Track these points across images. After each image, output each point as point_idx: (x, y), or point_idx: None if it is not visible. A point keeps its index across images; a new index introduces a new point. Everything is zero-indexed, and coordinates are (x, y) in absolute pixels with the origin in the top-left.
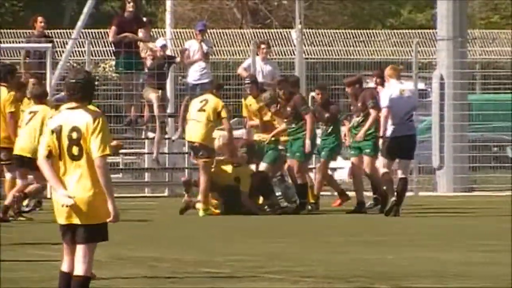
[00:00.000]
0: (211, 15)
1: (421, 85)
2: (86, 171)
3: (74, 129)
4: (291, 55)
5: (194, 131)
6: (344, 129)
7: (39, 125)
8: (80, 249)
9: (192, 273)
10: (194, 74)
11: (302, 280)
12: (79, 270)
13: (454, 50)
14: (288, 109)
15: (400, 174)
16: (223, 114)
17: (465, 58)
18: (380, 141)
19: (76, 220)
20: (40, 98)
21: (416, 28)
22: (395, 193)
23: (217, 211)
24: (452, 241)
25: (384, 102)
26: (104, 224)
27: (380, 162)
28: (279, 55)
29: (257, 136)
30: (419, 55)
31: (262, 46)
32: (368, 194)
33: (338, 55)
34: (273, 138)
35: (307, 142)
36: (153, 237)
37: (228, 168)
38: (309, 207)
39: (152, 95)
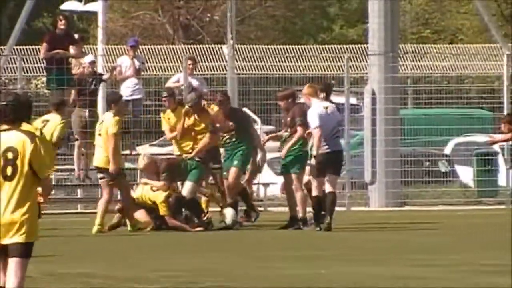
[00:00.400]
0: (143, 31)
1: (353, 100)
2: (18, 191)
3: (9, 149)
4: (223, 70)
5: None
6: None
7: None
8: (12, 262)
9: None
10: (126, 90)
11: None
12: (11, 283)
13: (386, 65)
14: (288, 118)
15: (328, 188)
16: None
17: (396, 73)
18: (311, 159)
19: (6, 240)
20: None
21: (347, 43)
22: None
23: (148, 228)
24: (385, 256)
25: (314, 122)
26: (32, 243)
27: (313, 184)
28: (211, 71)
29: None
30: (350, 70)
31: (189, 62)
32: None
33: (270, 70)
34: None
35: (286, 148)
36: (85, 253)
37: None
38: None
39: (74, 117)
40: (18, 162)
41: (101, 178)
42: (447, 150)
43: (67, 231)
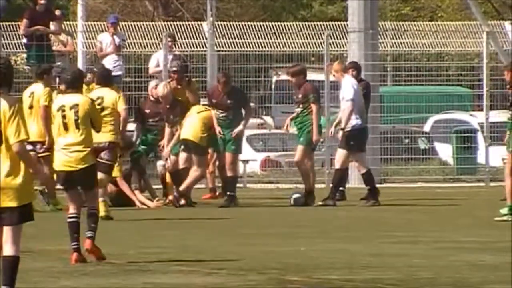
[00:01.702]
0: (123, 7)
1: (332, 77)
2: (6, 155)
3: None
4: (203, 47)
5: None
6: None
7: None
8: (8, 230)
9: (105, 265)
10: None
11: (215, 272)
12: (8, 251)
13: (365, 42)
14: (300, 95)
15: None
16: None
17: (376, 50)
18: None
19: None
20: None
21: (327, 20)
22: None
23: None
24: (363, 233)
25: (348, 94)
26: (29, 204)
27: (341, 156)
28: (190, 48)
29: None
30: (330, 47)
31: (168, 38)
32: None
33: (250, 47)
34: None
35: (315, 131)
36: (63, 230)
37: None
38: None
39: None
40: (1, 128)
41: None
42: (427, 127)
43: (47, 207)
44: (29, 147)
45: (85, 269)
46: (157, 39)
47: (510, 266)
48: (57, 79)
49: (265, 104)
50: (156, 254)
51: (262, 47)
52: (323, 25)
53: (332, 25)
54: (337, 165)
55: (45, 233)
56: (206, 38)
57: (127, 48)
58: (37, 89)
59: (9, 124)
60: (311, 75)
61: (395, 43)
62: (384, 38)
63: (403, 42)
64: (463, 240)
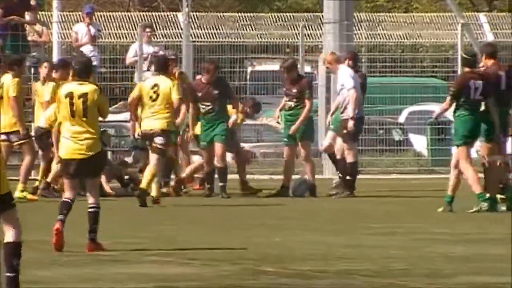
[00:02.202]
0: None
1: (307, 68)
2: None
3: None
4: (178, 38)
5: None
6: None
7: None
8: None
9: (79, 255)
10: None
11: (189, 262)
12: (10, 236)
13: (340, 33)
14: (294, 90)
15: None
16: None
17: (351, 41)
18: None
19: None
20: None
21: (302, 11)
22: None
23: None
24: (340, 224)
25: (349, 83)
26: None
27: (341, 146)
28: (166, 38)
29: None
30: (305, 38)
31: (147, 29)
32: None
33: (225, 38)
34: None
35: (298, 123)
36: (38, 221)
37: None
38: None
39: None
40: None
41: (3, 141)
42: (401, 118)
43: (20, 199)
44: (3, 137)
45: (59, 259)
46: (133, 29)
47: (482, 258)
48: (32, 70)
49: (240, 95)
50: (130, 244)
51: (237, 38)
52: (299, 16)
53: (308, 16)
54: (352, 158)
55: (28, 224)
56: (181, 29)
57: (102, 39)
58: (7, 80)
59: None
60: None
61: (370, 34)
62: (359, 29)
63: (378, 34)
64: (437, 232)
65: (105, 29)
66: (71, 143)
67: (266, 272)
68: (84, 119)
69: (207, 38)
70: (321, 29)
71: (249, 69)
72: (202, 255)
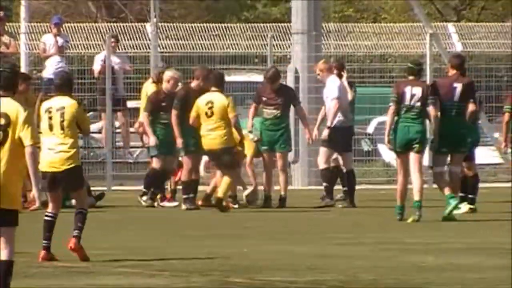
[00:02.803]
0: (66, 9)
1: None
2: (8, 156)
3: (2, 115)
4: (146, 48)
5: None
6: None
7: None
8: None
9: (48, 267)
10: (50, 68)
11: (159, 273)
12: (5, 255)
13: (309, 43)
14: (279, 99)
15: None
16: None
17: (319, 52)
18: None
19: None
20: None
21: (271, 21)
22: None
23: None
24: (308, 234)
25: (333, 93)
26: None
27: (323, 155)
28: (134, 49)
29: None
30: (274, 49)
31: (112, 39)
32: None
33: (193, 48)
34: None
35: (309, 131)
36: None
37: None
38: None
39: None
40: (9, 129)
41: None
42: (370, 129)
43: None
44: None
45: (29, 271)
46: (101, 40)
47: (452, 268)
48: None
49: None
50: (99, 255)
51: (205, 49)
52: (267, 26)
53: (276, 26)
54: (321, 164)
55: None
56: (149, 40)
57: (70, 50)
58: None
59: (24, 127)
60: (255, 77)
61: (338, 44)
62: (328, 40)
63: (347, 44)
64: (407, 242)
65: (72, 40)
66: (47, 156)
67: (235, 283)
68: (62, 131)
69: (175, 49)
70: (290, 39)
71: None
72: (171, 266)
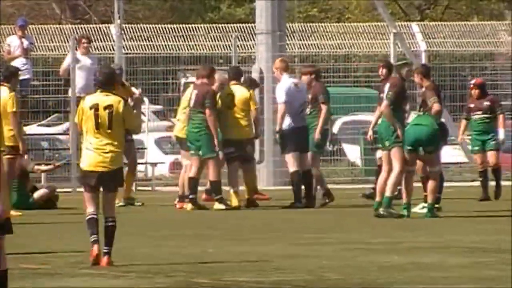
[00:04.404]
0: (30, 10)
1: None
2: None
3: None
4: (111, 50)
5: None
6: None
7: None
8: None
9: (12, 269)
10: None
11: (124, 275)
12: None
13: (273, 43)
14: (309, 96)
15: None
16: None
17: (284, 52)
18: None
19: None
20: None
21: (235, 22)
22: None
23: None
24: (273, 235)
25: (281, 97)
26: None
27: (289, 159)
28: (99, 50)
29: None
30: (238, 49)
31: (83, 40)
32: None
33: (158, 49)
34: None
35: (318, 129)
36: None
37: None
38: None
39: None
40: None
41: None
42: (335, 129)
43: None
44: None
45: None
46: (65, 42)
47: (416, 267)
48: None
49: (173, 107)
50: (64, 257)
51: (170, 50)
52: (231, 27)
53: (240, 27)
54: (290, 168)
55: None
56: (114, 41)
57: (35, 51)
58: (2, 94)
59: None
60: None
61: (302, 44)
62: (292, 40)
63: (311, 44)
64: (371, 242)
65: (37, 42)
66: (95, 155)
67: (200, 284)
68: (109, 131)
69: (140, 50)
70: (254, 40)
71: (183, 80)
72: (136, 267)
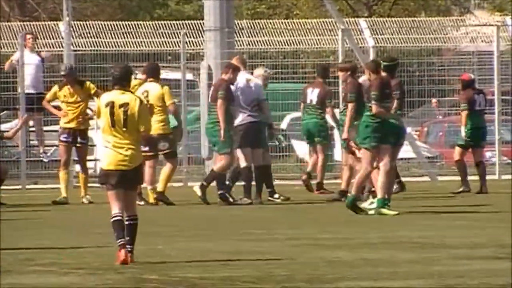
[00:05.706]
0: None
1: (189, 76)
2: None
3: None
4: (60, 47)
5: None
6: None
7: None
8: None
9: None
10: None
11: (73, 272)
12: None
13: (222, 40)
14: (342, 94)
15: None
16: None
17: (232, 49)
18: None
19: None
20: None
21: (183, 19)
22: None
23: None
24: (220, 231)
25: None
26: None
27: (241, 155)
28: (47, 48)
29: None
30: (187, 46)
31: (28, 36)
32: None
33: (107, 46)
34: None
35: (345, 127)
36: None
37: None
38: None
39: None
40: None
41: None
42: (283, 125)
43: None
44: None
45: None
46: (14, 39)
47: (365, 262)
48: None
49: None
50: (13, 254)
51: (119, 46)
52: (180, 24)
53: (189, 24)
54: (242, 163)
55: None
56: (62, 38)
57: None
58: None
59: None
60: (168, 74)
61: (251, 41)
62: (240, 37)
63: (259, 40)
64: (319, 237)
65: None
66: (114, 154)
67: (150, 280)
68: (124, 129)
69: (89, 47)
70: (203, 36)
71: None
72: (85, 264)
